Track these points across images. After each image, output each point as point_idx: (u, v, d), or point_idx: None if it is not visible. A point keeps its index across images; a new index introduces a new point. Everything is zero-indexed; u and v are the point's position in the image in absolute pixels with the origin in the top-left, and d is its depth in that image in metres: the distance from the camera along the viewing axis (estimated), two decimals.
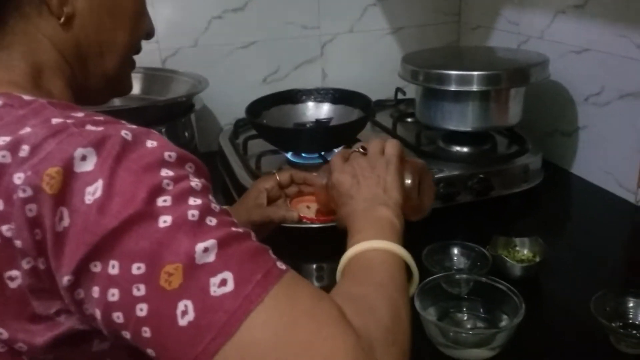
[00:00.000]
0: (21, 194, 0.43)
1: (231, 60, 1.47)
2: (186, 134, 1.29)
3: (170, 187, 0.44)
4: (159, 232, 0.42)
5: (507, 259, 0.91)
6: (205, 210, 0.45)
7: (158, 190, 0.44)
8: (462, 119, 1.19)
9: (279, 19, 1.48)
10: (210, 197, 0.47)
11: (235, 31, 1.45)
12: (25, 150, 0.44)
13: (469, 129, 1.19)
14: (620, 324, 0.80)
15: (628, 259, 1.04)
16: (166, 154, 0.46)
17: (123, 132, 0.45)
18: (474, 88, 1.14)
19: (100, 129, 0.46)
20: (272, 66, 1.51)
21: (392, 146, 0.74)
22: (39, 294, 0.45)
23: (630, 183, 1.15)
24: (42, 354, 0.47)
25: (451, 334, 0.77)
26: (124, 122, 0.49)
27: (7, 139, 0.45)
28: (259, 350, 0.42)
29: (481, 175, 1.13)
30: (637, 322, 0.81)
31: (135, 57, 0.65)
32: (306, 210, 0.83)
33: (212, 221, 0.45)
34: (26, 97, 0.50)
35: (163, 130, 1.21)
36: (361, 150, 0.75)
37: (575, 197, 1.27)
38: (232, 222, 0.47)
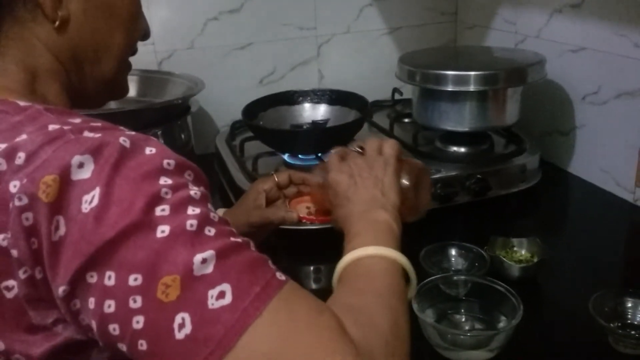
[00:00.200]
0: (17, 203, 0.42)
1: (227, 62, 1.47)
2: (182, 136, 1.29)
3: (169, 196, 0.44)
4: (156, 242, 0.42)
5: (505, 259, 0.91)
6: (203, 220, 0.44)
7: (156, 199, 0.43)
8: (459, 119, 1.19)
9: (275, 20, 1.48)
10: (210, 205, 0.47)
11: (231, 33, 1.45)
12: (21, 157, 0.44)
13: (466, 129, 1.19)
14: (619, 324, 0.80)
15: (626, 258, 1.04)
16: (165, 161, 0.45)
17: (121, 139, 0.45)
18: (471, 88, 1.14)
19: (97, 135, 0.45)
20: (269, 67, 1.51)
21: (390, 146, 0.73)
22: (36, 304, 0.45)
23: (628, 182, 1.15)
24: None
25: (449, 336, 0.76)
26: (122, 128, 0.48)
27: (3, 146, 0.45)
28: None
29: (479, 176, 1.13)
30: (635, 323, 0.80)
31: (131, 60, 0.64)
32: (305, 211, 0.82)
33: (210, 231, 0.44)
34: (21, 103, 0.49)
35: (159, 132, 1.21)
36: (358, 149, 0.74)
37: (573, 197, 1.27)
38: (231, 231, 0.46)
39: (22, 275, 0.43)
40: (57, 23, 0.53)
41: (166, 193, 0.44)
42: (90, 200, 0.42)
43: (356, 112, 1.25)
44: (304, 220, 0.81)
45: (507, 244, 0.96)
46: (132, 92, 1.31)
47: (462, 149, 1.23)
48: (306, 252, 1.05)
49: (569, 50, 1.24)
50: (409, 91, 1.37)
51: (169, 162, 0.45)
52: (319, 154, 1.17)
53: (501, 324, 0.80)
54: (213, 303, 0.41)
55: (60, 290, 0.42)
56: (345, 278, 0.59)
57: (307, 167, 1.16)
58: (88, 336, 0.45)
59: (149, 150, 0.45)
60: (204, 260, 0.42)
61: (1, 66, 0.53)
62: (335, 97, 1.32)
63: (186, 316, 0.41)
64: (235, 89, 1.47)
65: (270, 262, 0.47)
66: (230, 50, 1.46)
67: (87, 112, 0.59)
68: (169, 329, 0.41)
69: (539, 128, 1.36)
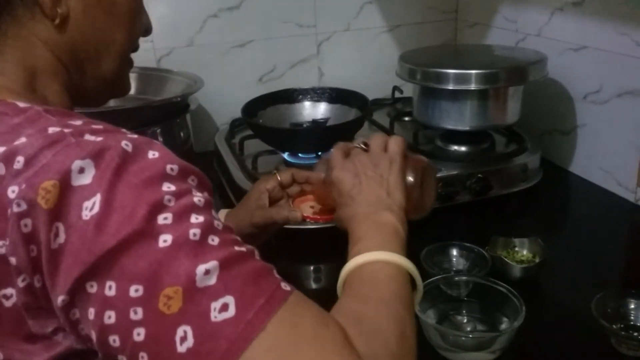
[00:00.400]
0: (16, 209, 0.41)
1: (227, 60, 1.46)
2: (182, 134, 1.28)
3: (172, 204, 0.43)
4: (158, 252, 0.41)
5: (506, 259, 0.90)
6: (207, 229, 0.43)
7: (159, 207, 0.42)
8: (460, 118, 1.18)
9: (275, 17, 1.47)
10: (213, 212, 0.46)
11: (230, 30, 1.44)
12: (20, 161, 0.42)
13: (467, 128, 1.18)
14: (622, 325, 0.80)
15: (628, 258, 1.03)
16: (168, 166, 0.44)
17: (123, 143, 0.44)
18: (472, 87, 1.13)
19: (99, 139, 0.44)
20: (268, 65, 1.50)
21: (395, 143, 0.71)
22: (35, 313, 0.44)
23: (629, 182, 1.15)
24: None
25: (451, 337, 0.76)
26: (124, 130, 0.47)
27: (1, 149, 0.44)
28: None
29: (480, 175, 1.12)
30: (638, 324, 0.80)
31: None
32: (310, 210, 0.80)
33: (214, 240, 0.43)
34: (21, 104, 0.48)
35: (158, 130, 1.20)
36: (362, 146, 0.72)
37: (574, 197, 1.26)
38: (235, 240, 0.45)
39: (20, 283, 0.42)
40: (57, 21, 0.52)
41: (169, 200, 0.43)
42: (91, 207, 0.41)
43: (356, 110, 1.25)
44: (309, 220, 0.79)
45: (509, 244, 0.96)
46: (131, 89, 1.29)
47: (463, 148, 1.22)
48: (305, 252, 1.04)
49: (570, 48, 1.23)
50: (409, 89, 1.37)
51: (172, 167, 0.44)
52: (319, 153, 1.16)
53: (503, 325, 0.79)
54: (216, 316, 0.40)
55: (59, 300, 0.41)
56: (350, 284, 0.57)
57: (307, 165, 1.15)
58: (88, 346, 0.44)
59: (152, 154, 0.44)
60: (207, 272, 0.41)
61: (0, 66, 0.51)
62: (335, 96, 1.31)
63: (188, 329, 0.40)
64: (235, 87, 1.46)
65: (275, 272, 0.46)
66: (229, 48, 1.45)
67: (85, 111, 0.58)
68: (171, 342, 0.40)
69: (540, 127, 1.35)
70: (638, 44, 1.08)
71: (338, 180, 0.69)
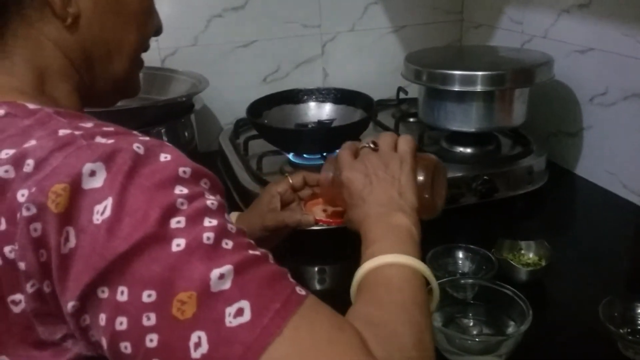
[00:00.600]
0: (25, 213, 0.40)
1: (231, 59, 1.46)
2: (186, 134, 1.28)
3: (185, 207, 0.42)
4: (172, 256, 0.40)
5: (513, 262, 0.90)
6: (221, 232, 0.42)
7: (172, 210, 0.41)
8: (465, 120, 1.18)
9: (280, 17, 1.46)
10: (226, 216, 0.45)
11: (235, 30, 1.44)
12: (29, 164, 0.42)
13: (472, 129, 1.18)
14: (629, 330, 0.79)
15: (634, 261, 1.02)
16: (180, 169, 0.43)
17: (135, 145, 0.43)
18: (478, 88, 1.13)
19: (110, 141, 0.43)
20: (273, 65, 1.50)
21: (405, 142, 0.69)
22: (44, 319, 0.43)
23: (635, 185, 1.14)
24: None
25: (457, 340, 0.75)
26: (135, 132, 0.46)
27: (11, 152, 0.43)
28: None
29: (485, 177, 1.12)
30: None
31: None
32: (322, 213, 0.80)
33: (228, 244, 0.42)
34: (31, 106, 0.47)
35: (163, 130, 1.20)
36: (372, 145, 0.71)
37: (580, 199, 1.25)
38: (249, 243, 0.44)
39: (29, 289, 0.42)
40: (67, 21, 0.51)
41: (182, 204, 0.42)
42: (102, 211, 0.40)
43: (362, 111, 1.24)
44: (321, 223, 0.79)
45: (515, 246, 0.95)
46: None
47: (469, 150, 1.22)
48: (310, 253, 1.04)
49: (577, 50, 1.23)
50: (413, 90, 1.36)
51: (184, 170, 0.44)
52: (324, 154, 1.16)
53: (510, 329, 0.79)
54: (231, 321, 0.39)
55: (70, 305, 0.41)
56: (365, 288, 0.56)
57: (312, 166, 1.15)
58: (98, 353, 0.43)
59: (164, 157, 0.44)
60: (222, 276, 0.40)
61: (10, 66, 0.51)
62: (340, 96, 1.30)
63: (202, 335, 0.39)
64: (239, 87, 1.46)
65: (289, 276, 0.45)
66: (233, 48, 1.45)
67: (89, 110, 0.58)
68: (185, 349, 0.39)
69: (545, 129, 1.34)
70: None
71: (348, 181, 0.68)
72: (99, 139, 0.43)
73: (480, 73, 1.12)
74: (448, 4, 1.58)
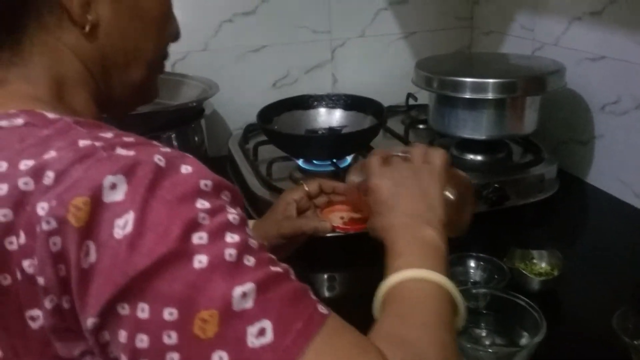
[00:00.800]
0: (45, 226, 0.40)
1: (241, 64, 1.46)
2: (196, 138, 1.28)
3: (207, 222, 0.41)
4: (193, 274, 0.39)
5: (525, 272, 0.89)
6: (243, 249, 0.42)
7: (194, 225, 0.41)
8: (476, 127, 1.17)
9: (289, 23, 1.46)
10: (247, 230, 0.44)
11: (245, 35, 1.44)
12: (50, 177, 0.41)
13: (483, 137, 1.17)
14: None
15: None
16: (202, 182, 0.43)
17: (156, 157, 0.42)
18: (490, 96, 1.12)
19: (131, 153, 0.42)
20: (282, 71, 1.50)
21: (438, 156, 0.68)
22: (62, 335, 0.42)
23: None
24: None
25: (470, 351, 0.75)
26: (156, 143, 0.46)
27: (30, 163, 0.42)
28: None
29: (496, 185, 1.11)
30: None
31: None
32: (338, 220, 0.79)
33: (250, 260, 0.42)
34: (50, 115, 0.46)
35: (173, 135, 1.20)
36: (403, 155, 0.69)
37: (591, 208, 1.25)
38: (270, 259, 0.44)
39: (48, 304, 0.41)
40: (86, 28, 0.51)
41: (204, 218, 0.41)
42: (123, 225, 0.39)
43: (372, 118, 1.24)
44: (338, 230, 0.78)
45: (527, 255, 0.95)
46: None
47: (479, 157, 1.21)
48: (321, 260, 1.03)
49: (588, 58, 1.22)
50: (423, 97, 1.36)
51: (206, 183, 0.43)
52: (334, 160, 1.16)
53: (523, 340, 0.78)
54: (253, 341, 0.39)
55: (89, 322, 0.40)
56: (390, 302, 0.55)
57: (321, 172, 1.15)
58: None
59: (185, 169, 0.43)
60: (244, 295, 0.40)
61: (27, 74, 0.50)
62: (350, 102, 1.30)
63: (224, 355, 0.39)
64: (248, 92, 1.45)
65: (310, 293, 0.44)
66: (243, 53, 1.45)
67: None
68: None
69: (557, 137, 1.34)
70: None
71: (376, 187, 0.66)
72: (120, 150, 0.43)
73: (491, 80, 1.12)
74: (458, 10, 1.58)
